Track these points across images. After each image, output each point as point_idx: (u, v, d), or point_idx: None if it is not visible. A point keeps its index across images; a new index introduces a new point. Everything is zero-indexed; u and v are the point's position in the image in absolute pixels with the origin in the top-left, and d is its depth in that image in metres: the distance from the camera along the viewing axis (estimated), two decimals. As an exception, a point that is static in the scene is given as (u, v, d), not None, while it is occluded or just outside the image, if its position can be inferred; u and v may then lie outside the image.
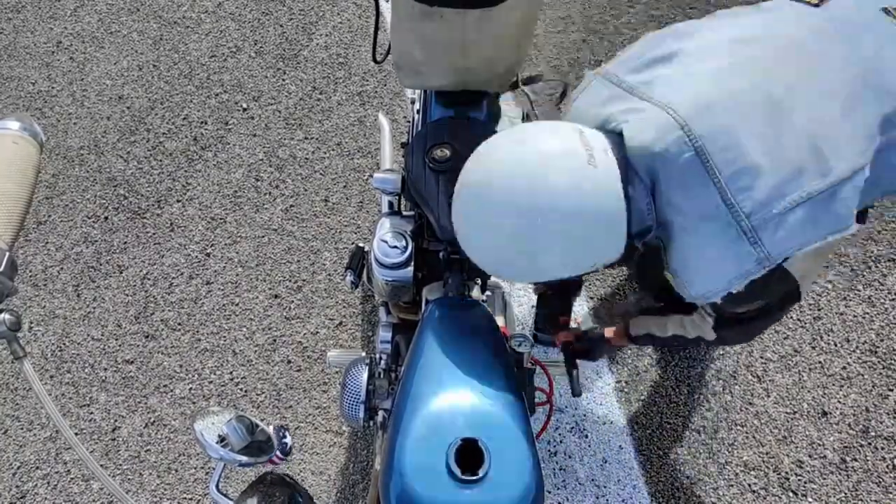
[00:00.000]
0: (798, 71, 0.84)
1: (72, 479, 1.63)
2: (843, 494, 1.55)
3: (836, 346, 1.71)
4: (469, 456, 0.74)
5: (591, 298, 1.81)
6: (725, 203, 0.77)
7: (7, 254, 0.64)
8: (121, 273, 1.91)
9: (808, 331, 1.74)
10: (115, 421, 1.69)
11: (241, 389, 1.72)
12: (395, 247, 1.05)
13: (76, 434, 1.62)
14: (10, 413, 1.71)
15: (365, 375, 1.07)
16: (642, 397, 1.68)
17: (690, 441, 1.62)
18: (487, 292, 1.21)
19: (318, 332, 1.79)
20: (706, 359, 1.72)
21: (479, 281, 1.15)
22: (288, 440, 0.76)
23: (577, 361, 1.17)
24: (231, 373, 1.74)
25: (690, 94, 0.81)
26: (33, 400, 1.73)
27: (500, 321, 1.12)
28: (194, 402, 1.71)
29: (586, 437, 1.64)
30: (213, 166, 2.08)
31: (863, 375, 1.68)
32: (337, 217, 1.97)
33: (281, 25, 2.37)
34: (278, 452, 0.74)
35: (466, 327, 0.93)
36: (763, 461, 1.60)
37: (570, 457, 1.61)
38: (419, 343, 0.91)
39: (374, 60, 1.38)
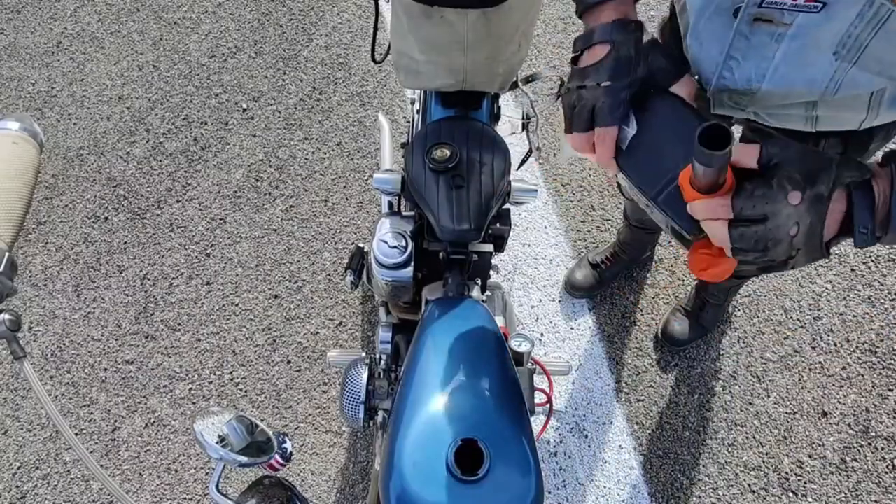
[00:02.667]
0: None
1: (72, 479, 1.63)
2: (843, 495, 1.55)
3: (836, 346, 1.71)
4: (469, 456, 0.74)
5: (590, 307, 1.81)
6: None
7: (7, 254, 0.64)
8: (121, 273, 1.91)
9: (808, 331, 1.74)
10: (115, 421, 1.69)
11: (241, 390, 1.72)
12: (395, 247, 1.05)
13: (76, 434, 1.62)
14: (10, 413, 1.71)
15: (365, 376, 1.07)
16: (642, 397, 1.68)
17: (690, 441, 1.62)
18: (487, 292, 1.21)
19: (318, 333, 1.79)
20: (706, 359, 1.72)
21: (479, 281, 1.15)
22: (288, 446, 0.76)
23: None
24: (231, 373, 1.74)
25: None
26: (33, 400, 1.73)
27: (500, 321, 1.12)
28: (194, 403, 1.71)
29: (586, 437, 1.64)
30: (213, 166, 2.08)
31: (863, 376, 1.68)
32: (337, 217, 1.97)
33: (281, 26, 2.37)
34: (278, 457, 0.74)
35: (466, 327, 0.93)
36: (763, 461, 1.60)
37: (570, 457, 1.61)
38: (419, 343, 0.91)
39: (374, 60, 1.38)
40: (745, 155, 0.57)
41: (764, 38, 0.69)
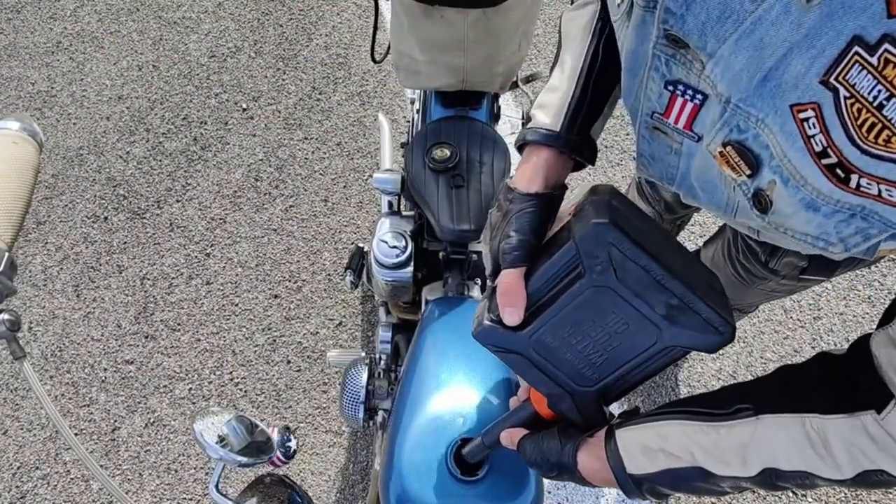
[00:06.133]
0: None
1: (72, 479, 1.63)
2: (843, 495, 1.55)
3: (835, 346, 1.71)
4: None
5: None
6: None
7: (7, 254, 0.64)
8: (121, 273, 1.91)
9: (808, 331, 1.74)
10: (115, 421, 1.69)
11: (240, 390, 1.72)
12: (395, 247, 1.05)
13: (76, 434, 1.62)
14: (9, 413, 1.71)
15: (364, 376, 1.07)
16: (642, 398, 1.68)
17: (690, 441, 1.62)
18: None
19: (317, 333, 1.79)
20: (706, 358, 1.72)
21: (478, 281, 1.15)
22: (292, 444, 0.75)
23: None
24: (231, 373, 1.74)
25: None
26: (33, 400, 1.73)
27: (499, 321, 1.11)
28: (194, 403, 1.71)
29: (586, 437, 1.63)
30: (212, 166, 2.08)
31: (863, 375, 1.68)
32: (337, 217, 1.97)
33: (280, 25, 2.37)
34: (279, 454, 0.74)
35: (466, 327, 0.93)
36: (763, 461, 1.60)
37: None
38: (419, 343, 0.91)
39: (374, 60, 1.38)
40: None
41: (665, 148, 0.64)
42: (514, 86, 1.31)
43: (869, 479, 0.50)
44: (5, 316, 0.62)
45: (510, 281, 0.60)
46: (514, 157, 1.15)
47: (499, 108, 1.27)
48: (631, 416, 0.63)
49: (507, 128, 1.47)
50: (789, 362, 0.64)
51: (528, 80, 1.37)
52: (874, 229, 0.46)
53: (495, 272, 0.64)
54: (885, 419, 0.48)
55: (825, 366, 0.57)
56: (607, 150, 2.05)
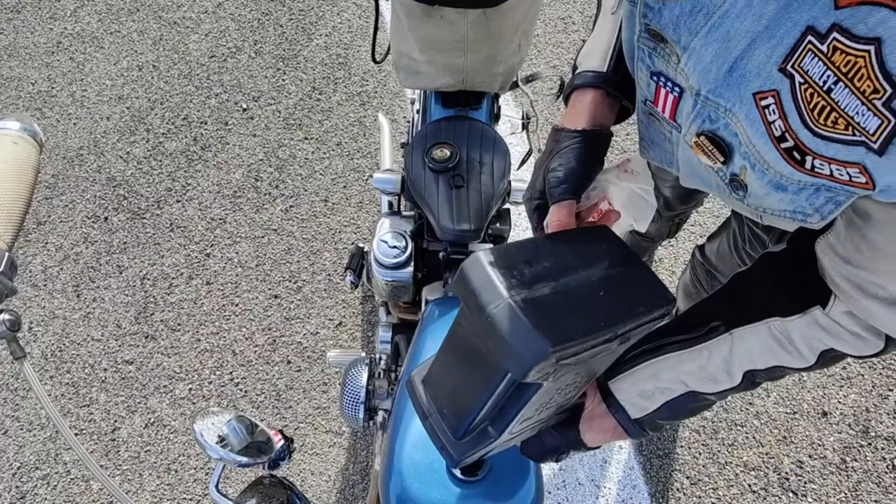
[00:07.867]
0: None
1: (72, 479, 1.63)
2: (843, 495, 1.55)
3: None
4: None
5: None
6: None
7: (7, 254, 0.64)
8: (121, 273, 1.91)
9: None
10: (115, 421, 1.69)
11: (240, 390, 1.72)
12: (395, 247, 1.05)
13: (76, 434, 1.62)
14: (9, 413, 1.71)
15: (364, 376, 1.07)
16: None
17: (690, 441, 1.62)
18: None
19: (317, 333, 1.79)
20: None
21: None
22: (284, 460, 0.75)
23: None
24: (231, 373, 1.74)
25: None
26: (33, 400, 1.73)
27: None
28: (194, 403, 1.71)
29: (586, 437, 1.63)
30: (212, 166, 2.08)
31: (863, 375, 1.68)
32: (337, 217, 1.97)
33: (281, 26, 2.37)
34: (268, 461, 0.73)
35: (466, 327, 0.93)
36: (763, 461, 1.60)
37: (570, 457, 1.61)
38: (419, 343, 0.91)
39: (374, 60, 1.38)
40: None
41: (659, 134, 0.66)
42: (514, 86, 1.31)
43: (826, 358, 0.59)
44: (5, 316, 0.62)
45: (561, 219, 0.62)
46: (514, 157, 1.15)
47: (499, 108, 1.27)
48: (615, 366, 0.66)
49: (507, 128, 1.47)
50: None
51: (528, 80, 1.37)
52: (841, 196, 0.49)
53: (541, 219, 0.65)
54: (830, 312, 0.57)
55: (772, 268, 0.63)
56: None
